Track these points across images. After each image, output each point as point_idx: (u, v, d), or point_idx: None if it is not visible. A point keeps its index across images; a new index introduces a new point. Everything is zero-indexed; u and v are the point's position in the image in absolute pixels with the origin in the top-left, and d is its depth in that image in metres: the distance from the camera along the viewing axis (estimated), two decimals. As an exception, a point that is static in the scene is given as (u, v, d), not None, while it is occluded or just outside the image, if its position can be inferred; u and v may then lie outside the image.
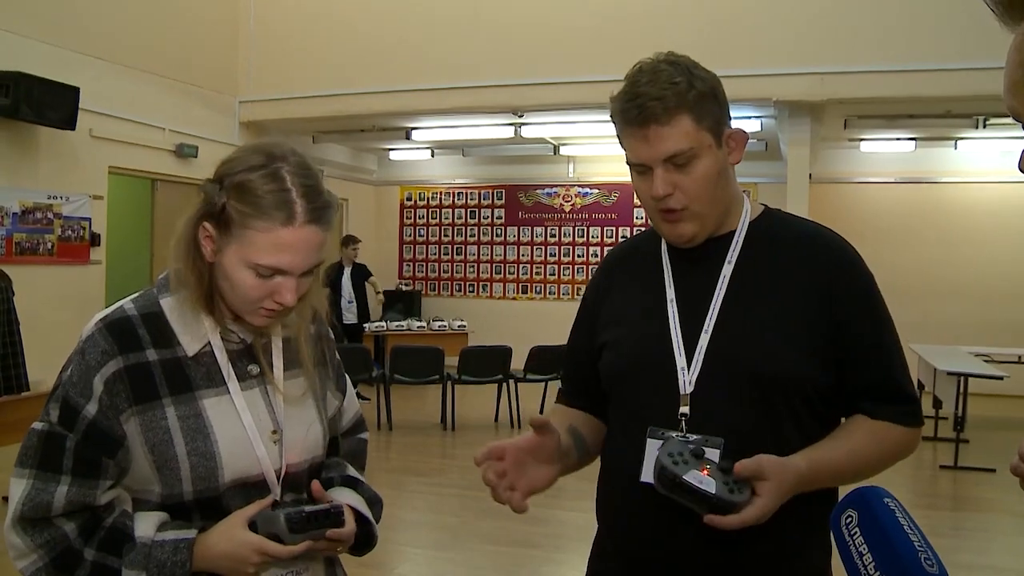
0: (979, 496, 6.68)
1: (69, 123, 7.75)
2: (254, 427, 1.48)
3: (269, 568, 1.46)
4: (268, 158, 1.44)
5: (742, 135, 1.62)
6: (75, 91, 7.74)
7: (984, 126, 9.44)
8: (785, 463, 1.44)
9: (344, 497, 1.58)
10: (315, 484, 1.54)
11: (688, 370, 1.56)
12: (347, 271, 10.66)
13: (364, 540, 1.60)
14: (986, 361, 8.56)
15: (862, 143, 11.05)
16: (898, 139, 10.67)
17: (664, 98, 1.51)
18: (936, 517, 5.65)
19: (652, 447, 1.52)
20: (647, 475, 1.51)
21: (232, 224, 1.41)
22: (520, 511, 1.52)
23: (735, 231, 1.64)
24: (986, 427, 8.75)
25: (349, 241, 10.81)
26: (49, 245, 7.94)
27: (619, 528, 1.65)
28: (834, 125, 9.79)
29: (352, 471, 1.70)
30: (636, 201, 12.69)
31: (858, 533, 1.16)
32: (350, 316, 10.62)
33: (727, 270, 1.61)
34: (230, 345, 1.51)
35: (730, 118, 1.62)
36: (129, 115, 8.76)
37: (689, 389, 1.55)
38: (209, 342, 1.48)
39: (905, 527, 1.13)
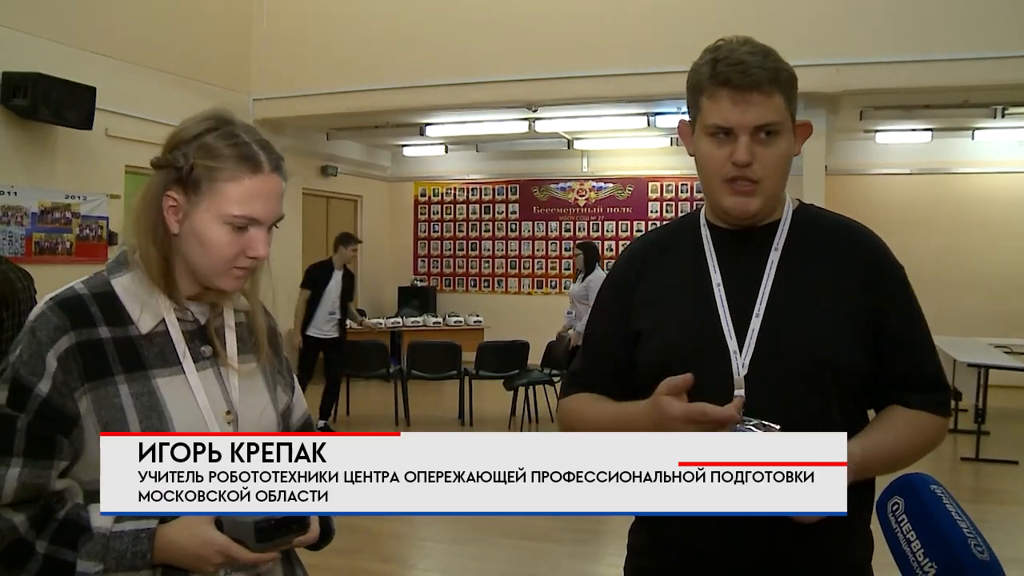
0: (1001, 488, 6.66)
1: (86, 123, 7.78)
2: (209, 407, 1.47)
3: (229, 571, 1.43)
4: (217, 121, 1.48)
5: (808, 128, 1.65)
6: (91, 91, 7.77)
7: (1002, 116, 9.37)
8: (849, 452, 1.43)
9: None
10: None
11: (740, 353, 1.57)
12: (336, 275, 8.60)
13: (323, 535, 1.56)
14: (1006, 352, 8.52)
15: (878, 134, 10.99)
16: (914, 130, 10.61)
17: (767, 69, 1.54)
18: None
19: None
20: None
21: (201, 183, 1.43)
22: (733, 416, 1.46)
23: (780, 220, 1.66)
24: (1007, 419, 8.70)
25: (348, 240, 8.76)
26: (67, 244, 7.97)
27: (659, 520, 1.62)
28: (850, 116, 9.74)
29: None
30: (651, 195, 12.76)
31: (905, 520, 1.15)
32: (328, 329, 8.49)
33: (775, 256, 1.62)
34: (184, 325, 1.50)
35: None
36: (144, 114, 8.76)
37: (743, 371, 1.56)
38: (163, 320, 1.47)
39: (953, 513, 1.12)
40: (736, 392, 1.54)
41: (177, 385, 1.45)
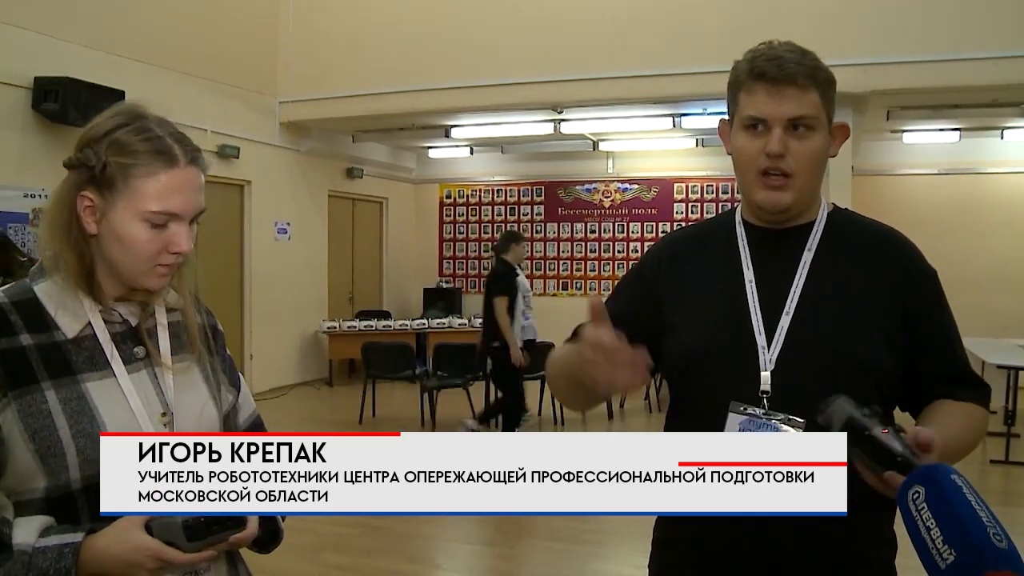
0: (1031, 491, 6.59)
1: (115, 126, 7.86)
2: (143, 409, 1.43)
3: (165, 574, 1.37)
4: (129, 116, 1.44)
5: (845, 130, 1.68)
6: (120, 95, 7.83)
7: (1031, 115, 9.28)
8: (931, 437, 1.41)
9: None
10: None
11: (768, 349, 1.59)
12: (521, 275, 8.25)
13: (270, 536, 1.52)
14: (1036, 354, 8.42)
15: (904, 134, 10.90)
16: (942, 130, 10.52)
17: (804, 65, 1.58)
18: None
19: (734, 421, 1.56)
20: None
21: (116, 181, 1.40)
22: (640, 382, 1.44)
23: (815, 221, 1.68)
24: (1037, 421, 8.59)
25: (516, 238, 8.22)
26: (96, 247, 8.07)
27: (681, 519, 1.63)
28: (876, 116, 9.67)
29: None
30: (676, 196, 12.72)
31: (925, 508, 1.15)
32: (527, 332, 8.21)
33: (807, 256, 1.65)
34: (113, 327, 1.46)
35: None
36: (172, 117, 8.76)
37: (770, 368, 1.58)
38: (89, 323, 1.43)
39: (973, 502, 1.13)
40: (763, 387, 1.56)
41: (108, 388, 1.41)
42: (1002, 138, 10.79)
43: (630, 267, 1.88)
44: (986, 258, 11.05)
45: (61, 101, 7.37)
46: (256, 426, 1.70)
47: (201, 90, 9.23)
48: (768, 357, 1.58)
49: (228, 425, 1.61)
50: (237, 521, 1.36)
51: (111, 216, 1.41)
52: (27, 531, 1.30)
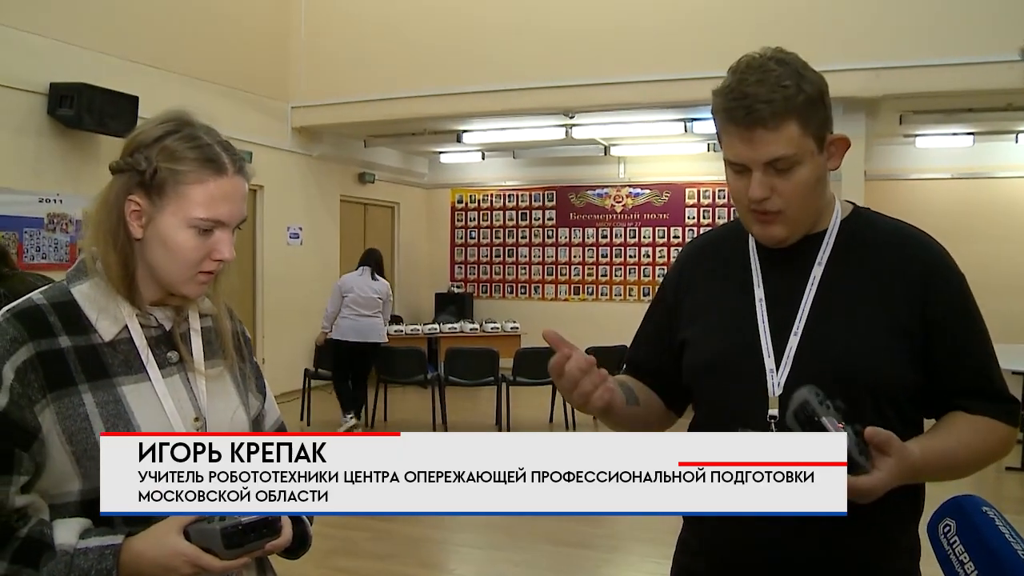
0: (1047, 499, 6.55)
1: (129, 132, 7.85)
2: (176, 413, 1.44)
3: None
4: (178, 123, 1.46)
5: (844, 143, 1.58)
6: (134, 100, 7.89)
7: (1047, 118, 9.24)
8: (906, 447, 1.40)
9: None
10: None
11: (777, 372, 1.55)
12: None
13: (299, 542, 1.53)
14: (1052, 359, 8.35)
15: (917, 139, 10.87)
16: (955, 134, 10.48)
17: (773, 102, 1.47)
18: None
19: None
20: None
21: (165, 186, 1.41)
22: (600, 404, 1.50)
23: (827, 230, 1.63)
24: (1051, 427, 8.51)
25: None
26: (110, 251, 8.11)
27: (707, 526, 1.63)
28: (889, 121, 9.64)
29: None
30: (688, 201, 12.70)
31: (957, 542, 1.15)
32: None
33: (817, 272, 1.59)
34: (148, 331, 1.47)
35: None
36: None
37: (778, 392, 1.54)
38: (126, 327, 1.44)
39: (1007, 535, 1.12)
40: (770, 412, 1.53)
41: (143, 392, 1.43)
42: (1016, 142, 10.74)
43: (646, 289, 1.88)
44: (1001, 263, 10.98)
45: (76, 107, 7.41)
46: (280, 432, 1.69)
47: (213, 95, 9.25)
48: (776, 381, 1.54)
49: (254, 429, 1.62)
50: (273, 528, 1.38)
51: (158, 221, 1.43)
52: (68, 532, 1.32)
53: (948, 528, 1.16)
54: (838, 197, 1.69)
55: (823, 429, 1.32)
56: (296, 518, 1.49)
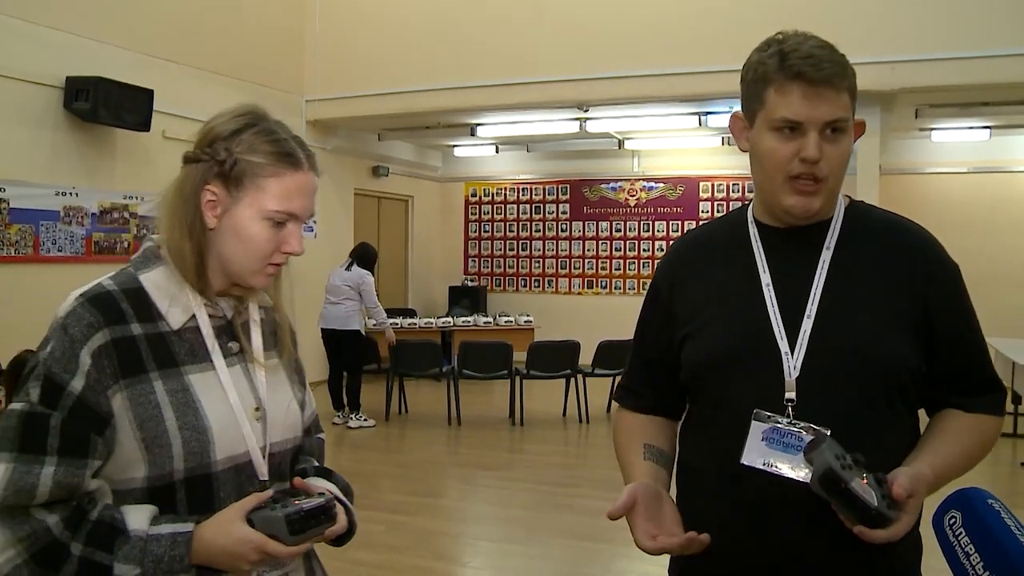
0: (1061, 493, 6.51)
1: (144, 125, 7.94)
2: (239, 403, 1.47)
3: (263, 566, 1.42)
4: (254, 117, 1.50)
5: (862, 126, 1.61)
6: (149, 93, 7.92)
7: (1064, 112, 9.16)
8: (920, 477, 1.43)
9: (324, 487, 1.56)
10: (297, 479, 1.51)
11: (792, 356, 1.55)
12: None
13: (347, 530, 1.56)
14: (1067, 354, 8.31)
15: (933, 132, 10.80)
16: (971, 128, 10.41)
17: (838, 63, 1.51)
18: (1017, 516, 5.49)
19: (757, 430, 1.52)
20: (748, 458, 1.52)
21: (244, 178, 1.45)
22: (700, 545, 1.51)
23: (831, 218, 1.63)
24: (1067, 422, 8.49)
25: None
26: (126, 244, 8.15)
27: (709, 519, 1.61)
28: (904, 115, 9.59)
29: (317, 463, 1.71)
30: (702, 195, 12.68)
31: (963, 534, 1.15)
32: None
33: (826, 255, 1.59)
34: (213, 321, 1.50)
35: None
36: (200, 116, 8.76)
37: (795, 375, 1.54)
38: (193, 316, 1.47)
39: (1012, 527, 1.12)
40: (787, 395, 1.53)
41: (209, 381, 1.45)
42: (1034, 136, 10.66)
43: (649, 286, 1.86)
44: (1018, 257, 10.93)
45: (92, 100, 7.44)
46: (315, 426, 1.74)
47: (228, 89, 9.28)
48: (792, 364, 1.54)
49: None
50: (330, 514, 1.43)
51: (233, 212, 1.46)
52: (139, 518, 1.34)
53: (954, 520, 1.17)
54: (851, 192, 1.70)
55: (853, 494, 1.35)
56: (344, 506, 1.54)
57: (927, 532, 1.47)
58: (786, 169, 1.54)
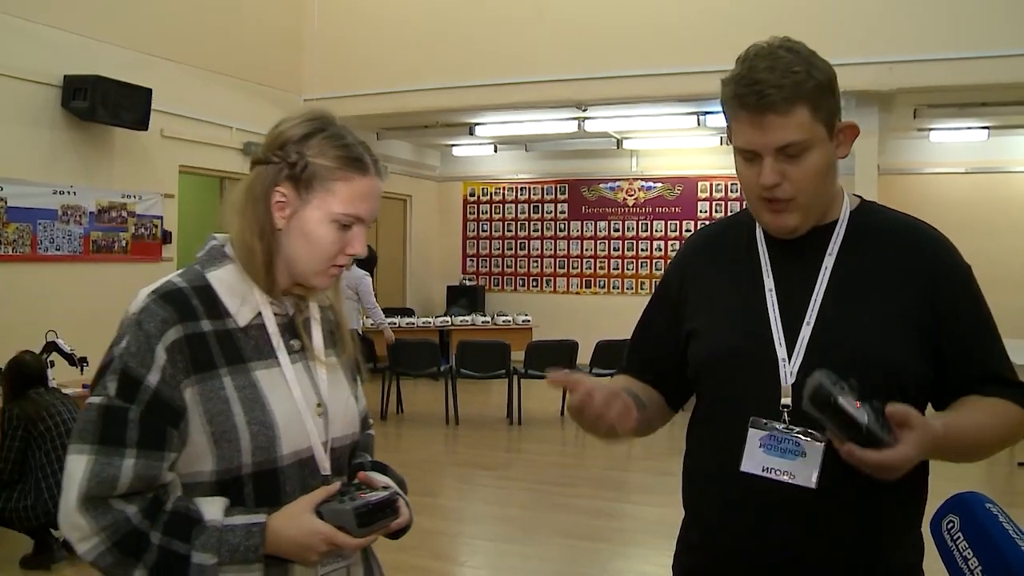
0: (1059, 494, 6.52)
1: (142, 124, 7.93)
2: (302, 399, 1.50)
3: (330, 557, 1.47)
4: (323, 122, 1.54)
5: (853, 131, 1.58)
6: (148, 92, 7.91)
7: (1062, 113, 9.17)
8: (928, 420, 1.39)
9: (384, 481, 1.60)
10: (362, 473, 1.55)
11: (789, 362, 1.55)
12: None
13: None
14: (1065, 355, 8.31)
15: (931, 133, 10.81)
16: (970, 128, 10.42)
17: (783, 87, 1.47)
18: (1014, 516, 5.49)
19: (754, 437, 1.53)
20: (747, 465, 1.52)
21: (313, 181, 1.49)
22: (628, 429, 1.50)
23: (836, 221, 1.62)
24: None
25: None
26: (123, 243, 8.14)
27: (710, 518, 1.64)
28: (903, 115, 9.60)
29: (370, 457, 1.74)
30: (700, 194, 12.68)
31: (961, 538, 1.15)
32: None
33: (828, 262, 1.59)
34: (277, 319, 1.53)
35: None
36: (198, 115, 8.93)
37: (791, 381, 1.53)
38: (260, 314, 1.51)
39: (1011, 532, 1.12)
40: (783, 401, 1.53)
41: (274, 377, 1.49)
42: (1032, 136, 10.67)
43: (657, 283, 1.86)
44: (1016, 258, 10.93)
45: (90, 99, 7.42)
46: (366, 421, 1.77)
47: (227, 88, 9.28)
48: (789, 370, 1.54)
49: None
50: (394, 508, 1.48)
51: (302, 213, 1.50)
52: (214, 509, 1.39)
53: (952, 524, 1.17)
54: (850, 191, 1.69)
55: (841, 409, 1.33)
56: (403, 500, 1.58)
57: (925, 531, 1.47)
58: (755, 192, 1.55)
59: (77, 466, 1.35)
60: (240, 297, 1.49)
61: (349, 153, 1.50)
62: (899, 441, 1.35)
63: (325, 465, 1.52)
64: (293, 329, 1.56)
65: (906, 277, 1.56)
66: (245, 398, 1.43)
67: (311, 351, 1.57)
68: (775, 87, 1.47)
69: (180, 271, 1.52)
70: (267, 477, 1.45)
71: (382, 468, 1.69)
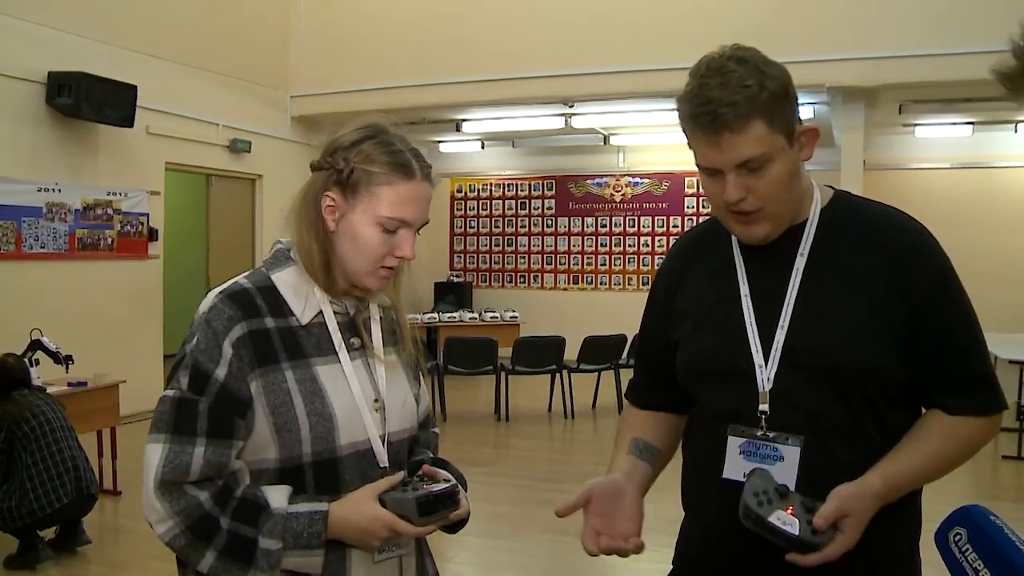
0: (1043, 487, 6.56)
1: (127, 121, 7.90)
2: (361, 395, 1.57)
3: (388, 544, 1.53)
4: (375, 130, 1.60)
5: (814, 133, 1.56)
6: (133, 89, 7.89)
7: (1045, 108, 9.23)
8: (862, 491, 1.42)
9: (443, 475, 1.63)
10: (426, 466, 1.61)
11: (766, 367, 1.54)
12: None
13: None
14: (1049, 348, 8.37)
15: (917, 128, 10.85)
16: (954, 123, 10.47)
17: (736, 104, 1.45)
18: (998, 508, 5.46)
19: (734, 445, 1.54)
20: (729, 472, 1.54)
21: (359, 185, 1.55)
22: (639, 550, 1.55)
23: (807, 220, 1.60)
24: (1049, 416, 8.54)
25: None
26: (109, 240, 8.11)
27: (702, 521, 1.65)
28: (888, 110, 9.64)
29: (432, 455, 1.80)
30: (687, 190, 12.71)
31: (970, 550, 1.19)
32: None
33: (800, 263, 1.57)
34: (338, 317, 1.60)
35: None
36: (184, 112, 8.90)
37: (768, 387, 1.53)
38: (321, 312, 1.58)
39: (1016, 542, 1.16)
40: (760, 407, 1.53)
41: (334, 372, 1.56)
42: (1016, 132, 10.71)
43: (644, 279, 1.87)
44: (1000, 252, 10.99)
45: (74, 96, 7.40)
46: (429, 420, 1.84)
47: (213, 85, 9.26)
48: (765, 376, 1.53)
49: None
50: (454, 499, 1.53)
51: (350, 217, 1.56)
52: (279, 496, 1.48)
53: (959, 537, 1.20)
54: (835, 186, 1.67)
55: (773, 529, 1.40)
56: None
57: (929, 542, 1.46)
58: (721, 205, 1.56)
59: (154, 454, 1.44)
60: (302, 297, 1.57)
61: (395, 159, 1.55)
62: (839, 530, 1.40)
63: (383, 457, 1.59)
64: (353, 327, 1.63)
65: (878, 271, 1.53)
66: (305, 391, 1.51)
67: (370, 348, 1.63)
68: (728, 105, 1.45)
69: (247, 273, 1.61)
70: (327, 467, 1.52)
71: (442, 464, 1.73)
